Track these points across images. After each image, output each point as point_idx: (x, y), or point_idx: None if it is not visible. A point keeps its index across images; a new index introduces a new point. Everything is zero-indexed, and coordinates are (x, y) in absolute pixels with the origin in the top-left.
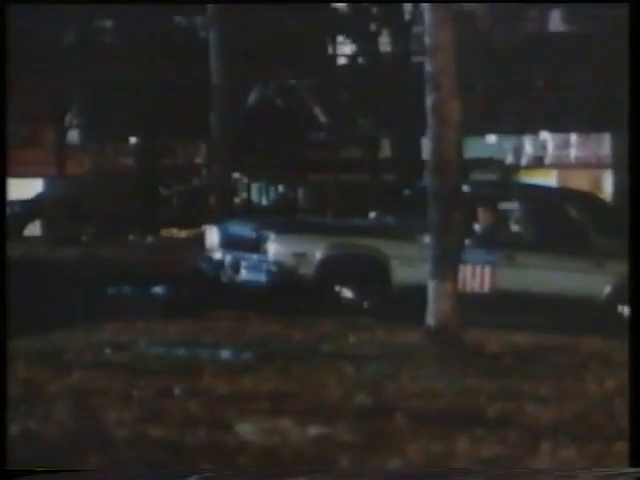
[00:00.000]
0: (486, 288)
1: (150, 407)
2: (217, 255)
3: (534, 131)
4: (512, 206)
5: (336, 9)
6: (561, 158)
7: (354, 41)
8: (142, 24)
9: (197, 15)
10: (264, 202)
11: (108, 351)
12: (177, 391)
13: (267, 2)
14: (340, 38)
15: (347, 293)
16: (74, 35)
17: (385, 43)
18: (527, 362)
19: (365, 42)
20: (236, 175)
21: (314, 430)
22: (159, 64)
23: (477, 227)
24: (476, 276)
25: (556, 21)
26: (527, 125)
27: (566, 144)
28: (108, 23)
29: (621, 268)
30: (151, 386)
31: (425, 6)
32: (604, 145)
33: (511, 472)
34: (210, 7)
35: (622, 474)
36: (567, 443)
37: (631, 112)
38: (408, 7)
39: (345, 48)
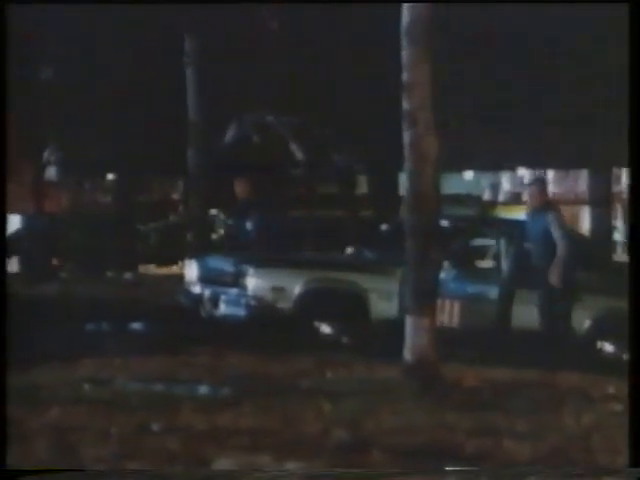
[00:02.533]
0: (463, 323)
1: (128, 443)
2: (196, 289)
3: (511, 167)
4: (490, 241)
5: (314, 44)
6: None
7: (330, 78)
8: (119, 60)
9: (174, 51)
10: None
11: (86, 387)
12: (155, 427)
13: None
14: (317, 74)
15: (325, 328)
16: (50, 70)
17: (362, 78)
18: (505, 397)
19: (342, 78)
20: (213, 211)
21: (292, 466)
22: (136, 100)
23: (454, 262)
24: (453, 311)
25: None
26: (504, 161)
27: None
28: (86, 57)
29: (600, 303)
30: (129, 422)
31: (403, 43)
32: (581, 181)
33: (511, 471)
34: (187, 43)
35: (622, 474)
36: (544, 478)
37: (631, 114)
38: (385, 43)
39: (322, 84)
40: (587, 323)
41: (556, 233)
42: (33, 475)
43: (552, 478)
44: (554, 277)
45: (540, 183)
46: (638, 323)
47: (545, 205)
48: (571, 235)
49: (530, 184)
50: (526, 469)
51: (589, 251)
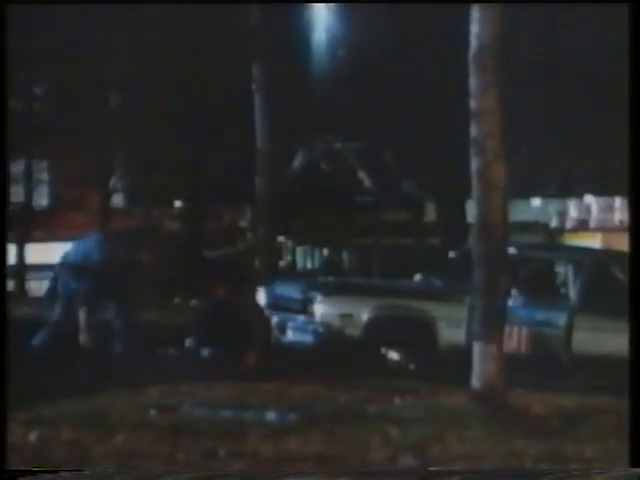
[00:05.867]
0: (531, 350)
1: (195, 469)
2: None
3: (578, 194)
4: (558, 269)
5: (380, 74)
6: (605, 221)
7: (398, 105)
8: (188, 88)
9: (241, 78)
10: (309, 265)
11: (153, 413)
12: (222, 453)
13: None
14: (385, 101)
15: (393, 355)
16: (118, 99)
17: (430, 107)
18: (573, 424)
19: (410, 105)
20: (281, 238)
21: None
22: (203, 127)
23: (522, 289)
24: (521, 338)
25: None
26: (571, 188)
27: (610, 207)
28: (153, 86)
29: None
30: (196, 448)
31: (471, 70)
32: None
33: (513, 472)
34: (255, 69)
35: (622, 474)
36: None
37: (631, 113)
38: (450, 71)
39: (390, 111)
40: None
41: None
42: (33, 475)
43: (552, 478)
44: None
45: None
46: (638, 323)
47: None
48: None
49: None
50: (527, 469)
51: None
